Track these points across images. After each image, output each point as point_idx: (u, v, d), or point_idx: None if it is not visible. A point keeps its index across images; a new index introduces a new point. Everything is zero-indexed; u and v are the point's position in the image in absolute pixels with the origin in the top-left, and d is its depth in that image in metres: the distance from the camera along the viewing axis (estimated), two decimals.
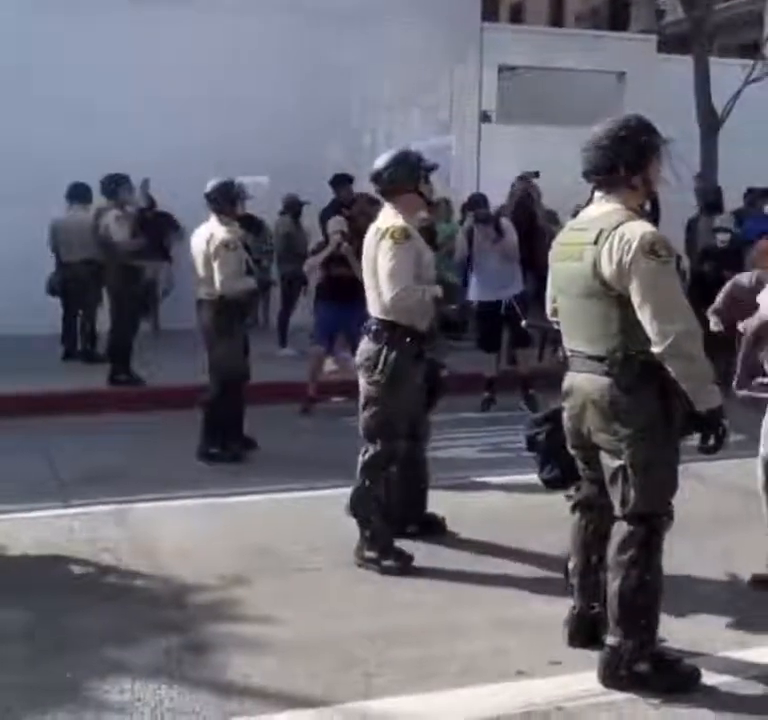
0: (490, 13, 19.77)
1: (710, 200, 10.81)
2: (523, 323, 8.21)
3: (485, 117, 15.00)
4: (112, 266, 9.37)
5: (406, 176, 4.84)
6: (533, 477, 5.85)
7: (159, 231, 11.48)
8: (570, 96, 15.03)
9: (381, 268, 4.73)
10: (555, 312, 3.83)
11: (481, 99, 14.94)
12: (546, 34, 18.64)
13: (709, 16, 14.96)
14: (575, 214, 7.15)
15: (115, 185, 9.36)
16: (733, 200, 12.47)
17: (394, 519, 4.97)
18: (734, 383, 4.73)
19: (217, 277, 6.74)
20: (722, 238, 9.91)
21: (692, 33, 14.81)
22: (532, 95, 15.19)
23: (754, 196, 12.57)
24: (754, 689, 3.54)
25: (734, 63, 16.09)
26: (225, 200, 6.87)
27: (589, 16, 27.98)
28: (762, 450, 4.53)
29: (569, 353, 3.67)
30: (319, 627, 4.09)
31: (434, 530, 5.21)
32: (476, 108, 14.89)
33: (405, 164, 4.87)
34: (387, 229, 4.75)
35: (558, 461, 3.96)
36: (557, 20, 28.30)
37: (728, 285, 6.53)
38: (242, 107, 12.53)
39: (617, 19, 26.60)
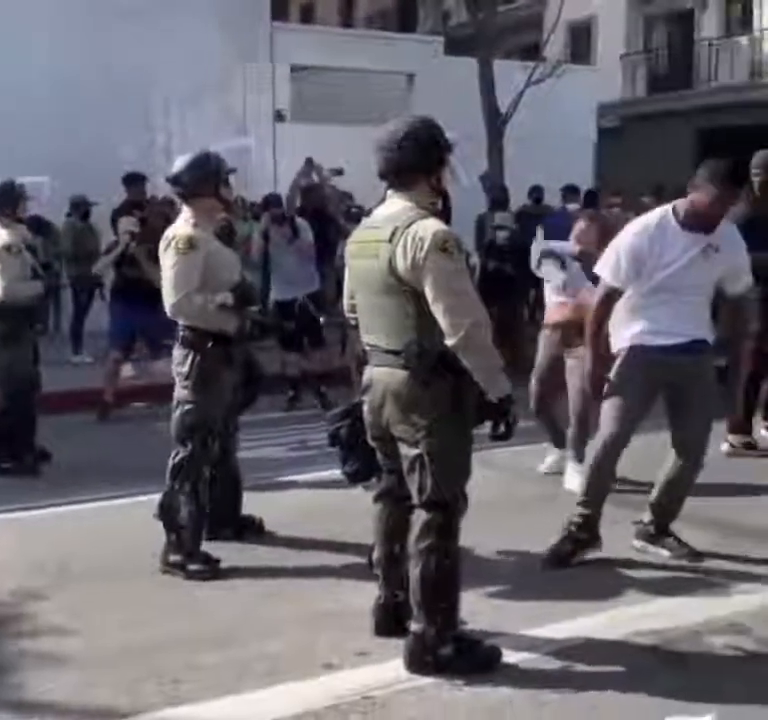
0: (280, 12, 19.81)
1: (496, 198, 11.18)
2: (322, 320, 8.28)
3: (279, 116, 15.03)
4: None
5: (206, 181, 4.80)
6: (338, 472, 5.95)
7: None
8: (362, 96, 15.26)
9: (164, 276, 4.78)
10: (353, 308, 3.88)
11: (275, 98, 14.95)
12: (337, 34, 18.87)
13: (492, 19, 15.48)
14: (349, 213, 7.11)
15: None
16: (521, 199, 12.97)
17: (210, 522, 4.92)
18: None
19: None
20: (502, 235, 10.22)
21: (476, 35, 15.29)
22: (325, 95, 15.34)
23: (538, 193, 13.09)
24: (551, 664, 3.67)
25: (517, 65, 16.71)
26: (5, 202, 6.59)
27: (378, 18, 28.45)
28: (605, 430, 4.72)
29: (368, 348, 3.73)
30: (122, 637, 3.97)
31: (252, 533, 5.17)
32: (270, 107, 14.89)
33: (205, 168, 4.83)
34: (173, 237, 4.76)
35: (359, 455, 4.00)
36: (347, 21, 28.64)
37: None
38: (27, 105, 12.07)
39: (406, 21, 27.16)
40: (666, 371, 4.62)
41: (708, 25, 23.21)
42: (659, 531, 4.85)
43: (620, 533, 4.88)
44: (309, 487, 6.13)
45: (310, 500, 5.88)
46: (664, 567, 4.64)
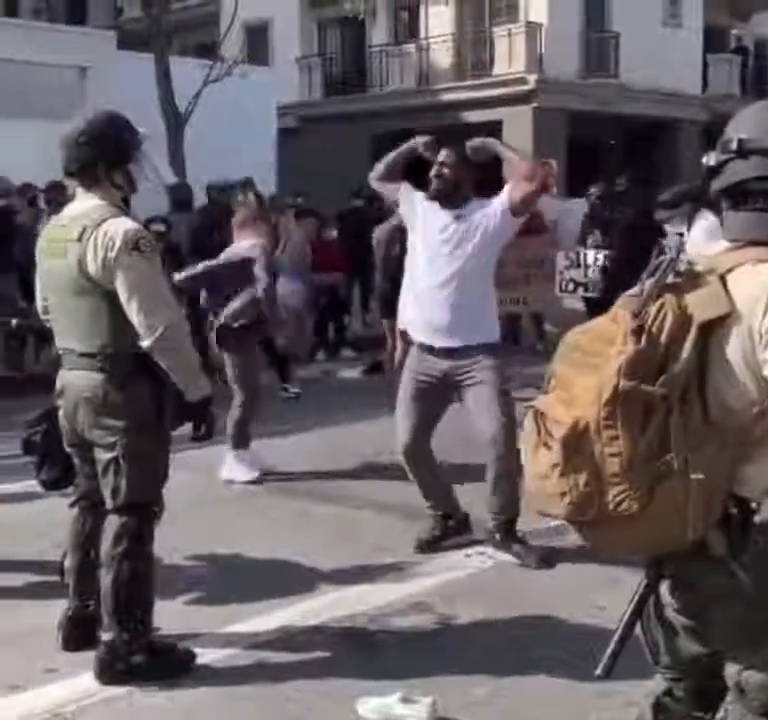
0: None
1: (179, 197, 11.03)
2: (13, 322, 7.87)
3: None
4: None
5: None
6: (16, 485, 5.66)
7: None
8: (32, 89, 14.59)
9: None
10: (46, 310, 3.73)
11: None
12: (1, 24, 17.87)
13: (166, 15, 15.32)
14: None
15: None
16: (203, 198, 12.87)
17: None
18: None
19: None
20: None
21: (150, 31, 15.06)
22: None
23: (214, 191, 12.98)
24: (247, 660, 3.71)
25: (194, 62, 16.61)
26: None
27: (45, 9, 27.26)
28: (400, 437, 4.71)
29: (62, 351, 3.61)
30: None
31: None
32: None
33: None
34: None
35: (56, 461, 3.88)
36: (12, 11, 27.21)
37: None
38: None
39: (74, 14, 26.21)
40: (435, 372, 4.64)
41: (378, 32, 24.19)
42: (505, 534, 4.70)
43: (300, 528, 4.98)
44: None
45: None
46: (350, 557, 4.76)
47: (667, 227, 7.41)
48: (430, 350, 4.65)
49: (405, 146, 4.88)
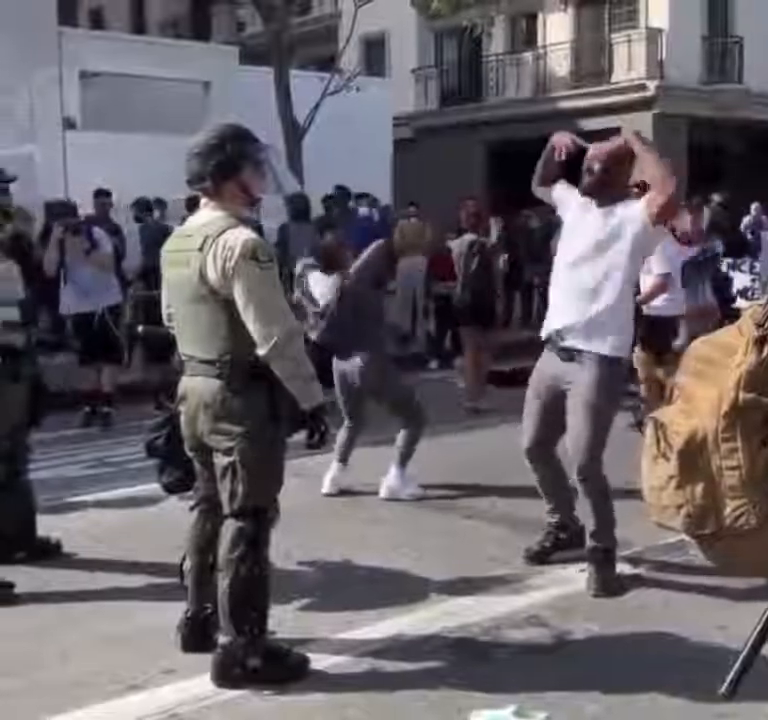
0: (68, 17, 19.25)
1: (298, 207, 11.22)
2: (140, 329, 8.11)
3: (69, 124, 14.56)
4: None
5: None
6: (138, 489, 5.82)
7: None
8: (156, 104, 14.98)
9: None
10: (170, 318, 3.83)
11: (63, 105, 14.47)
12: (129, 41, 18.47)
13: (286, 30, 15.58)
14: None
15: None
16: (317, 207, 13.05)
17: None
18: None
19: None
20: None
21: (271, 45, 15.34)
22: (118, 102, 14.96)
23: (330, 202, 13.16)
24: (361, 666, 3.71)
25: (313, 75, 16.85)
26: None
27: (171, 25, 28.07)
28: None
29: (184, 357, 3.70)
30: None
31: (49, 555, 4.95)
32: (58, 114, 14.41)
33: None
34: None
35: (178, 464, 3.97)
36: (139, 27, 28.12)
37: None
38: None
39: (199, 29, 26.92)
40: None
41: (495, 41, 24.13)
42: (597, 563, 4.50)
43: (411, 535, 4.97)
44: (106, 506, 5.93)
45: (106, 519, 5.69)
46: (462, 568, 4.73)
47: None
48: (554, 345, 4.53)
49: (549, 145, 4.74)
